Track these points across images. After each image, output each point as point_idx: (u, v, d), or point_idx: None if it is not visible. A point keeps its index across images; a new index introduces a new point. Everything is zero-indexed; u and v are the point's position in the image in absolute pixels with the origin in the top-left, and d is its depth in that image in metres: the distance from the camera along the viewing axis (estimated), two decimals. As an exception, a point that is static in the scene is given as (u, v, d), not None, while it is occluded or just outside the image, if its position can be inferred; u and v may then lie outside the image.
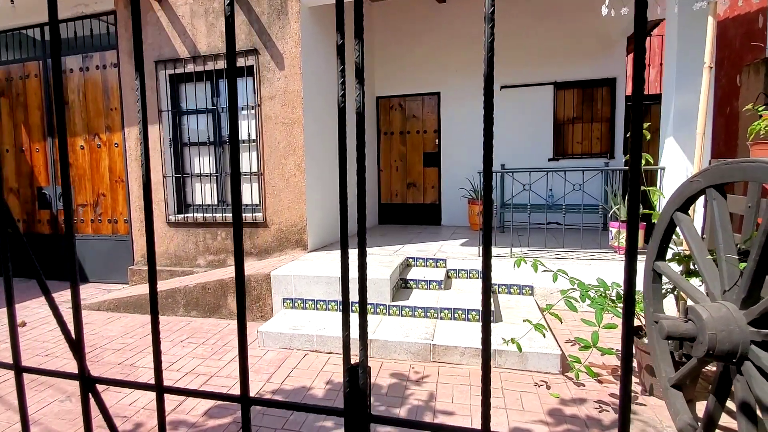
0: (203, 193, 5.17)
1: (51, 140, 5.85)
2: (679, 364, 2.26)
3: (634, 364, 2.84)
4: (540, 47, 6.39)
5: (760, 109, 2.51)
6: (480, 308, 3.36)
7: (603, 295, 2.53)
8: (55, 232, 5.91)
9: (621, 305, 2.63)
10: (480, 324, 3.30)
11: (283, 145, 4.70)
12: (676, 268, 2.46)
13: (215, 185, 5.15)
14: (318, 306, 3.73)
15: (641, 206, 4.22)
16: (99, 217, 5.67)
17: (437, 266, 4.33)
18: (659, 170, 3.93)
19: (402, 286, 3.99)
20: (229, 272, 4.35)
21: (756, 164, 1.69)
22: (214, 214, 5.03)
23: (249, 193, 4.95)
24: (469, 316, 3.37)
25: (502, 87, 6.57)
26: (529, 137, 6.51)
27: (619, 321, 3.04)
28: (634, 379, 2.72)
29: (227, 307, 4.05)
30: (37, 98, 5.91)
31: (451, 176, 6.88)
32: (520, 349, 2.55)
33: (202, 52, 4.95)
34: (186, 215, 5.12)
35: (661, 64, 7.28)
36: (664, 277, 2.35)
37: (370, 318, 3.51)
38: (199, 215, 5.05)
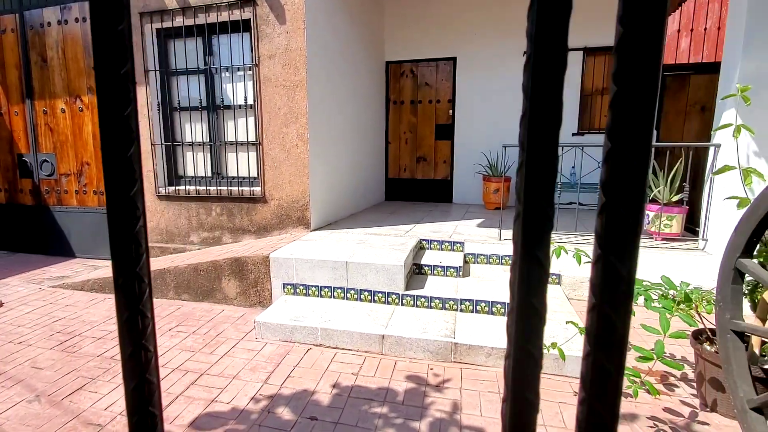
0: (196, 163, 4.70)
1: (30, 102, 5.33)
2: (756, 379, 1.88)
3: (692, 374, 2.46)
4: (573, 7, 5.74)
5: None
6: (506, 300, 2.97)
7: (665, 295, 2.12)
8: (39, 202, 5.47)
9: (688, 310, 2.22)
10: (505, 318, 2.91)
11: (284, 112, 4.20)
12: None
13: (209, 155, 4.67)
14: (322, 293, 3.34)
15: (687, 186, 3.77)
16: (84, 188, 5.22)
17: (454, 250, 3.92)
18: (713, 147, 3.44)
19: (416, 272, 3.59)
20: (224, 252, 3.94)
21: None
22: (208, 187, 4.57)
23: (246, 165, 4.47)
24: (494, 309, 2.98)
25: (525, 53, 5.96)
26: (552, 109, 5.95)
27: (686, 326, 2.64)
28: (690, 391, 2.35)
29: (221, 291, 3.66)
30: (14, 55, 5.34)
31: (465, 150, 6.37)
32: (563, 356, 2.16)
33: (192, 3, 4.37)
34: (177, 187, 4.67)
35: (704, 30, 6.62)
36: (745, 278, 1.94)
37: (382, 308, 3.12)
38: (192, 188, 4.60)
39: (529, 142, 0.31)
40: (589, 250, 3.60)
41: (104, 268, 4.62)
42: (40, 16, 5.13)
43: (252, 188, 4.42)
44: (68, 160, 5.25)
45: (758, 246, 1.97)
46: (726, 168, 2.07)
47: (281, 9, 4.11)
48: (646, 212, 4.05)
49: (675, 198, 3.79)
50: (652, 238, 3.87)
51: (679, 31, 7.11)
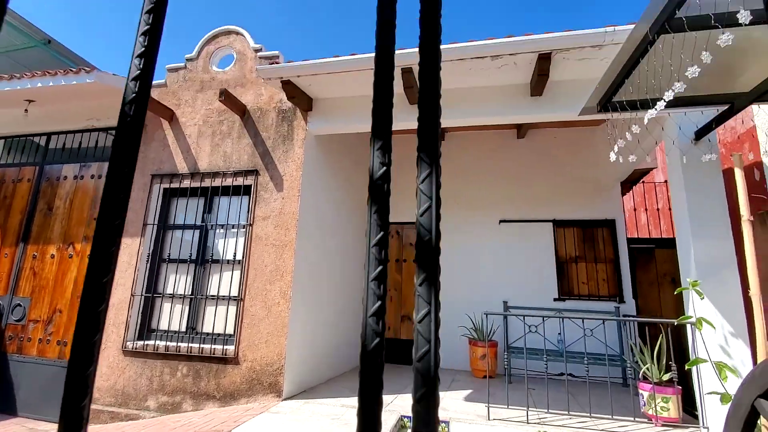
0: (172, 317, 4.56)
1: (23, 246, 5.42)
2: None
3: None
4: (537, 187, 6.51)
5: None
6: (497, 504, 2.55)
7: None
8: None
9: None
10: None
11: (271, 269, 4.29)
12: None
13: (188, 308, 4.56)
14: (284, 485, 2.86)
15: (674, 364, 3.68)
16: (49, 336, 4.92)
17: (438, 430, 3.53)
18: (689, 324, 3.48)
19: (394, 457, 3.16)
20: (180, 426, 3.50)
21: None
22: (179, 344, 4.33)
23: (224, 321, 4.35)
24: None
25: (500, 221, 6.51)
26: (531, 274, 6.20)
27: None
28: None
29: (166, 476, 3.12)
30: (23, 202, 5.66)
31: (449, 311, 6.34)
32: None
33: (201, 170, 4.87)
34: (147, 342, 4.42)
35: (657, 209, 7.43)
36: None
37: None
38: (162, 343, 4.35)
39: None
40: (585, 435, 3.29)
41: (38, 437, 4.01)
42: (59, 170, 5.62)
43: (225, 347, 4.19)
44: (42, 306, 5.06)
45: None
46: (697, 361, 2.06)
47: (280, 179, 4.59)
48: (640, 391, 3.85)
49: (665, 377, 3.65)
50: (651, 422, 3.59)
51: (635, 209, 7.94)
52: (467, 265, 6.44)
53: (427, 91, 0.33)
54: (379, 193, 0.33)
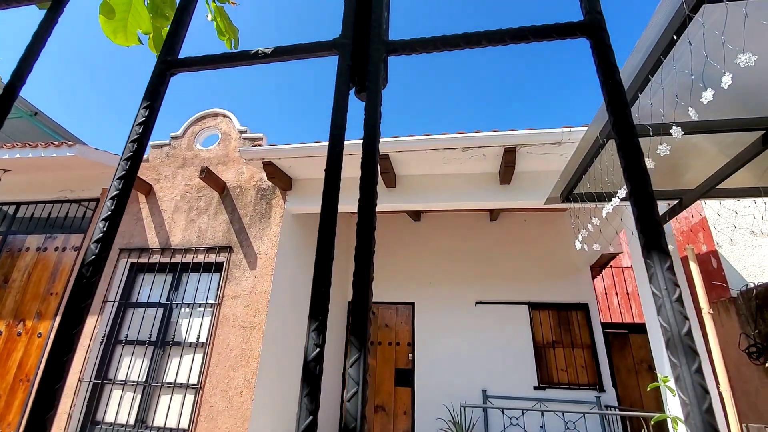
0: (120, 407, 4.13)
1: (-36, 321, 4.99)
2: None
3: None
4: (511, 268, 6.62)
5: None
6: None
7: None
8: None
9: None
10: None
11: (236, 353, 4.04)
12: None
13: (140, 397, 4.16)
14: None
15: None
16: (-28, 428, 4.33)
17: None
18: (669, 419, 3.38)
19: None
20: None
21: None
22: (125, 439, 3.88)
23: (178, 414, 3.96)
24: None
25: (476, 302, 6.48)
26: (509, 359, 6.03)
27: None
28: None
29: None
30: (-24, 273, 5.33)
31: (426, 400, 6.00)
32: None
33: (173, 245, 4.78)
34: (87, 437, 3.94)
35: (627, 294, 7.58)
36: None
37: None
38: (105, 438, 3.89)
39: None
40: None
41: None
42: (23, 240, 5.41)
43: (177, 443, 3.77)
44: (-29, 392, 4.53)
45: None
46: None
47: (254, 256, 4.53)
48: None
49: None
50: None
51: (606, 293, 8.09)
52: (444, 349, 6.25)
53: (360, 276, 0.35)
54: (311, 376, 0.33)
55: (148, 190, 5.22)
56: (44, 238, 5.37)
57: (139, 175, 5.27)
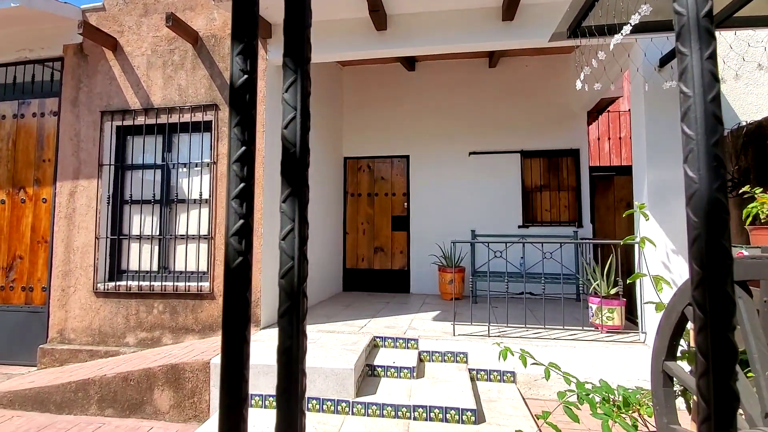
0: (141, 257, 4.52)
1: (-33, 191, 5.07)
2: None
3: (646, 482, 2.40)
4: (506, 118, 6.51)
5: (757, 191, 2.39)
6: (460, 405, 2.88)
7: (606, 399, 2.15)
8: (-46, 298, 4.94)
9: (630, 414, 2.25)
10: (461, 426, 2.79)
11: (239, 207, 4.25)
12: (687, 367, 2.14)
13: (157, 248, 4.53)
14: (266, 403, 3.10)
15: (621, 280, 4.04)
16: (12, 283, 4.81)
17: (408, 347, 3.84)
18: (637, 245, 3.78)
19: (369, 373, 3.44)
20: (161, 356, 3.63)
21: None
22: (152, 283, 4.35)
23: (195, 259, 4.36)
24: (448, 416, 2.86)
25: (470, 153, 6.56)
26: (498, 204, 6.42)
27: None
28: (647, 503, 2.27)
29: (152, 403, 3.30)
30: (-42, 144, 5.19)
31: (420, 241, 6.58)
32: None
33: (156, 105, 4.57)
34: (118, 283, 4.42)
35: (620, 138, 7.64)
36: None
37: (331, 419, 2.92)
38: (134, 283, 4.37)
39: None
40: (540, 343, 3.66)
41: (18, 377, 4.08)
42: (-6, 108, 5.13)
43: (200, 283, 4.25)
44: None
45: (680, 348, 2.09)
46: (637, 276, 2.28)
47: (242, 113, 4.38)
48: (590, 305, 4.24)
49: (612, 291, 4.02)
50: (597, 330, 4.01)
51: (599, 138, 8.14)
52: (439, 198, 6.57)
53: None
54: (240, 103, 0.31)
55: (114, 45, 4.73)
56: (17, 104, 5.08)
57: (98, 26, 4.70)
